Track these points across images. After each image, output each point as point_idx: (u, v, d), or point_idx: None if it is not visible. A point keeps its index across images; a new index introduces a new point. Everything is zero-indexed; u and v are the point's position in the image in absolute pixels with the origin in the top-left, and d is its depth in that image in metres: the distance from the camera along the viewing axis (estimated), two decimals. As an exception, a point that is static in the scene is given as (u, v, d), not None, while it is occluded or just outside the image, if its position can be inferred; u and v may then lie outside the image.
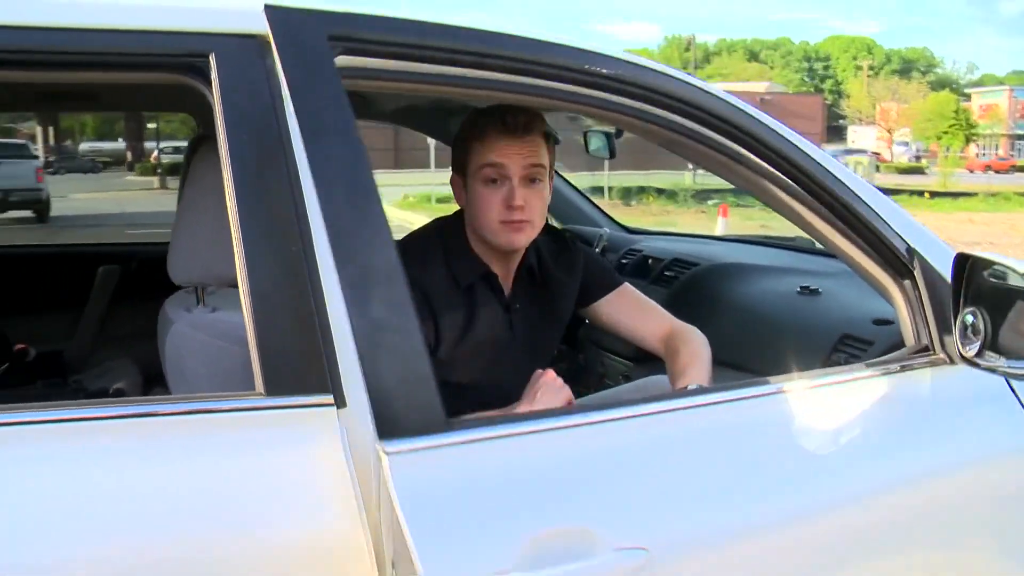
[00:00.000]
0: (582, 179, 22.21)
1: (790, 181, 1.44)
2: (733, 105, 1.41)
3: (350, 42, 1.19)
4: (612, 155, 2.61)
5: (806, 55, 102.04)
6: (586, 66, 1.32)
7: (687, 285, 2.33)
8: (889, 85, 61.05)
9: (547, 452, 1.18)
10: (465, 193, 1.72)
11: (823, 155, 1.48)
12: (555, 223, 3.14)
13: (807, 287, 2.09)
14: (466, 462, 1.12)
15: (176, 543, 1.06)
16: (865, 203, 1.46)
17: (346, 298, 1.10)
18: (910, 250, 1.47)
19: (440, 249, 1.73)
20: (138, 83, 1.71)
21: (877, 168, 31.96)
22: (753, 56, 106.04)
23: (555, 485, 1.16)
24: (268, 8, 1.17)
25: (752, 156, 1.43)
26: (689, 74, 1.45)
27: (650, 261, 2.61)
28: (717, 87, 1.48)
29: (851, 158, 33.05)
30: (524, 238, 1.69)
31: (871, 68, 75.66)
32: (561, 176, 3.13)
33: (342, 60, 1.21)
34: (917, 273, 1.46)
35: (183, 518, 1.06)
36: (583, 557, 1.10)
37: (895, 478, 1.38)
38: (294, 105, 1.16)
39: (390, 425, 1.09)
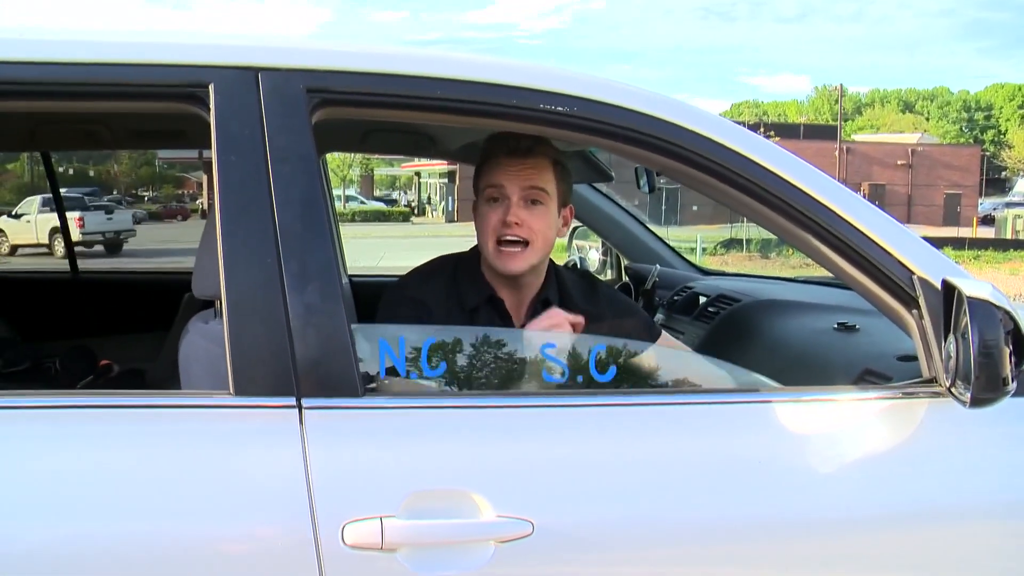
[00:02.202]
0: (723, 232, 21.88)
1: (771, 210, 1.44)
2: (687, 130, 1.42)
3: (327, 94, 1.36)
4: (651, 189, 2.63)
5: (966, 104, 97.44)
6: (540, 105, 1.39)
7: (726, 320, 2.32)
8: (1058, 135, 57.46)
9: (446, 425, 1.31)
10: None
11: (819, 182, 1.46)
12: (624, 260, 3.16)
13: (844, 323, 2.05)
14: (372, 423, 1.29)
15: (127, 520, 1.18)
16: (861, 231, 1.44)
17: (288, 285, 1.25)
18: (915, 278, 1.44)
19: (449, 271, 1.79)
20: (149, 112, 1.88)
21: (1039, 222, 29.96)
22: (907, 107, 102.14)
23: (447, 453, 1.28)
24: (261, 70, 1.34)
25: (727, 187, 1.44)
26: (676, 105, 1.46)
27: (700, 298, 2.61)
28: (714, 116, 1.49)
29: (1011, 211, 31.21)
30: (518, 262, 1.72)
31: (1039, 117, 71.37)
32: (634, 216, 3.16)
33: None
34: (921, 303, 1.43)
35: (134, 498, 1.19)
36: (466, 517, 1.24)
37: (840, 501, 1.37)
38: (269, 137, 1.31)
39: (311, 386, 1.25)
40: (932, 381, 1.45)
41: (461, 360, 1.46)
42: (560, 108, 1.40)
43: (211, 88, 1.32)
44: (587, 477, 1.31)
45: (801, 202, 1.44)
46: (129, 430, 1.22)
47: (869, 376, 1.75)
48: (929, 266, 1.46)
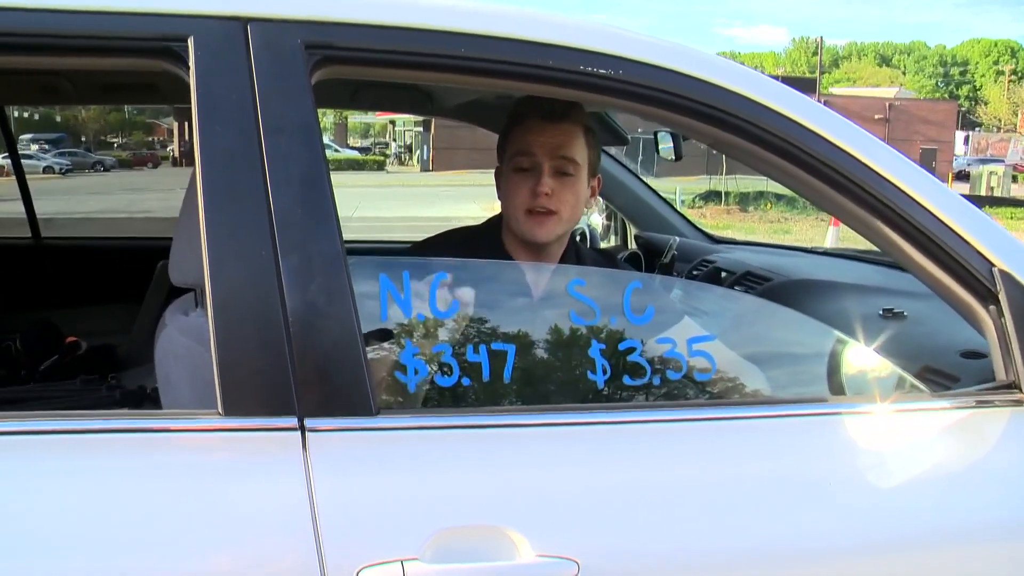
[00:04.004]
0: (700, 184, 21.79)
1: (836, 190, 1.27)
2: (761, 105, 1.23)
3: (329, 50, 1.15)
4: (678, 157, 2.43)
5: (942, 59, 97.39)
6: (580, 67, 1.20)
7: (757, 303, 2.13)
8: (1032, 91, 57.64)
9: (475, 449, 1.12)
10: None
11: (887, 157, 1.28)
12: (633, 229, 2.98)
13: (891, 310, 1.88)
14: (388, 447, 1.09)
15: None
16: (934, 215, 1.27)
17: (286, 283, 1.06)
18: (995, 271, 1.27)
19: (460, 240, 1.71)
20: (113, 70, 1.65)
21: (1014, 179, 30.12)
22: (884, 60, 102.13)
23: (477, 482, 1.10)
24: (251, 20, 1.13)
25: (780, 158, 1.26)
26: (745, 75, 1.26)
27: (722, 274, 2.42)
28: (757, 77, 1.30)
29: (986, 167, 31.34)
30: (546, 231, 1.65)
31: (1014, 73, 71.64)
32: (641, 179, 2.97)
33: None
34: (1002, 298, 1.27)
35: (103, 547, 0.98)
36: (501, 558, 1.06)
37: (922, 531, 1.21)
38: (260, 102, 1.10)
39: (316, 404, 1.06)
40: (1012, 386, 1.29)
41: (476, 298, 1.28)
42: (604, 71, 1.20)
43: (190, 42, 1.10)
44: (638, 504, 1.13)
45: (873, 184, 1.27)
46: (97, 464, 1.01)
47: (931, 375, 1.58)
48: (1013, 257, 1.29)
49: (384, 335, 1.21)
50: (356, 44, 1.16)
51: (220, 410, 1.04)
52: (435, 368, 1.19)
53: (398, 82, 2.15)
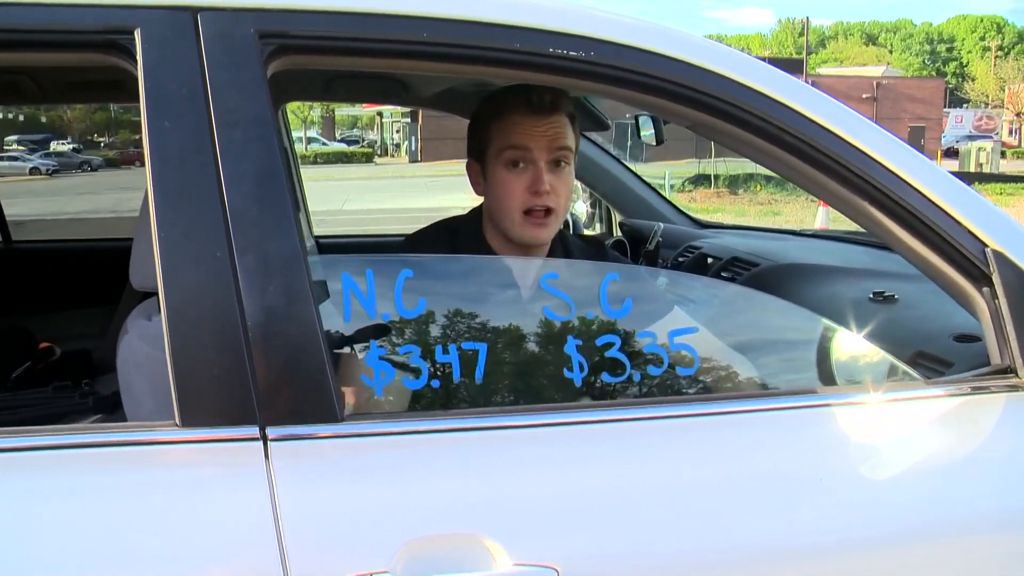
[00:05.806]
0: (690, 167, 21.76)
1: (824, 172, 1.22)
2: (736, 83, 1.19)
3: (285, 39, 1.09)
4: (659, 141, 2.38)
5: (928, 37, 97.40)
6: (550, 49, 1.15)
7: (744, 289, 2.08)
8: (1020, 66, 57.65)
9: (447, 455, 1.07)
10: (483, 181, 1.60)
11: (874, 137, 1.24)
12: (617, 216, 2.93)
13: (881, 293, 1.83)
14: (355, 455, 1.04)
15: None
16: (925, 195, 1.22)
17: (243, 285, 1.01)
18: (988, 252, 1.23)
19: (446, 238, 1.60)
20: (56, 65, 1.59)
21: (1003, 154, 30.14)
22: (871, 39, 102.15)
23: (451, 489, 1.05)
24: (201, 10, 1.08)
25: (778, 148, 1.21)
26: (720, 52, 1.21)
27: (709, 260, 2.37)
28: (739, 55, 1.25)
29: (974, 144, 31.39)
30: (548, 232, 1.56)
31: (1000, 49, 71.68)
32: (624, 165, 2.92)
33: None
34: (996, 279, 1.22)
35: (67, 562, 0.94)
36: (477, 568, 1.01)
37: (918, 523, 1.16)
38: (212, 96, 1.05)
39: (278, 412, 1.01)
40: (1007, 371, 1.24)
41: (443, 297, 1.22)
42: (574, 53, 1.15)
43: (137, 34, 1.04)
44: (619, 507, 1.08)
45: (861, 165, 1.22)
46: (48, 481, 0.96)
47: (924, 360, 1.54)
48: (1006, 237, 1.25)
49: (380, 331, 1.16)
50: (313, 32, 1.11)
51: (177, 421, 0.99)
52: (403, 370, 1.13)
53: (362, 71, 2.10)
